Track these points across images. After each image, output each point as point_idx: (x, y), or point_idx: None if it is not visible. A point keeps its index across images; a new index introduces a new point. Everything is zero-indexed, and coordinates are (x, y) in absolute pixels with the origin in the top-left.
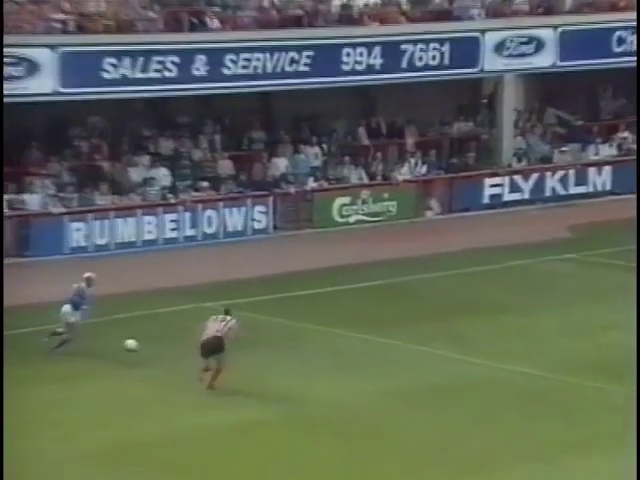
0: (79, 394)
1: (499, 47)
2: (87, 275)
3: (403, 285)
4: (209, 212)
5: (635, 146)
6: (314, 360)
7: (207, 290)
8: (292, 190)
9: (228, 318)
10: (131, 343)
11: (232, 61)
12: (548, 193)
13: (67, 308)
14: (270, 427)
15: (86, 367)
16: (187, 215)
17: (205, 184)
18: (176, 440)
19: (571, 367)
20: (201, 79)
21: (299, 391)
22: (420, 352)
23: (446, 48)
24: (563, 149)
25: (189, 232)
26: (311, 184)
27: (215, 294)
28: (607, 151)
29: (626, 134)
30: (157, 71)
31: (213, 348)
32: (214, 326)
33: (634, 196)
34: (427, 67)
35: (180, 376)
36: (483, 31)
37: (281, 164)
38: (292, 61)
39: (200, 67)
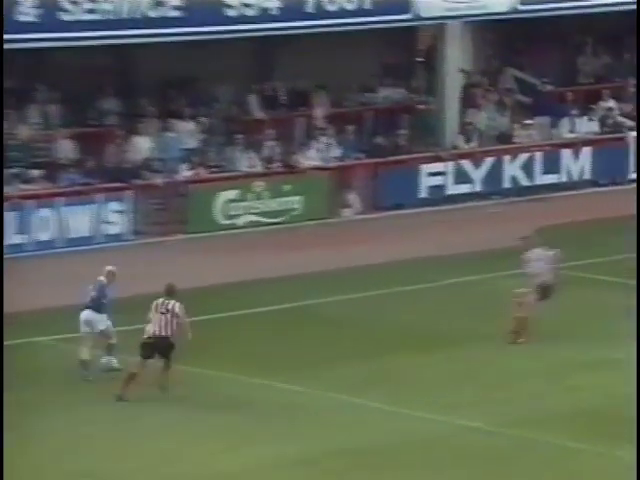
0: None
1: None
2: (110, 268)
3: (313, 310)
4: (43, 211)
5: (623, 120)
6: (194, 415)
7: (41, 319)
8: (159, 181)
9: (172, 304)
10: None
11: (72, 2)
12: (507, 184)
13: (88, 315)
14: None
15: None
16: (12, 215)
17: (37, 173)
18: None
19: (537, 420)
20: (29, 27)
21: (171, 459)
22: (338, 402)
23: None
24: (527, 123)
25: (15, 239)
26: (185, 173)
27: (53, 325)
28: (586, 126)
29: (611, 103)
30: None
31: (158, 349)
32: (158, 319)
33: (621, 187)
34: (342, 13)
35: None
36: None
37: (143, 145)
38: (157, 4)
39: (27, 10)
